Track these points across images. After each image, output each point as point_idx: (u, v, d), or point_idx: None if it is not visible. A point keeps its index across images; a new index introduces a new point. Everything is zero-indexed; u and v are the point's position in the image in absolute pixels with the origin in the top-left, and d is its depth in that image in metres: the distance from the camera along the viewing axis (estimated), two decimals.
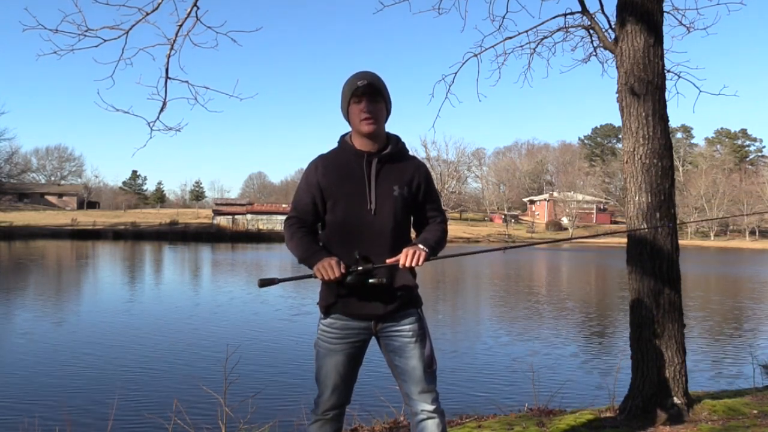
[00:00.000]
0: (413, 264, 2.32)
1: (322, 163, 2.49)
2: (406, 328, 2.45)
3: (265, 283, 2.38)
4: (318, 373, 2.50)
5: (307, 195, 2.48)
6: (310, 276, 2.40)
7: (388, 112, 2.51)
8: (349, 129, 2.54)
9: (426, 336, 2.48)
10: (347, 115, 2.47)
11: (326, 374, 2.47)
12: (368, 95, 2.39)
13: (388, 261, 2.35)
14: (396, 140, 2.53)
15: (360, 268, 2.32)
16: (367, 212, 2.41)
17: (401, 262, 2.32)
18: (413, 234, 2.61)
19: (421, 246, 2.38)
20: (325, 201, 2.46)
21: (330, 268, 2.28)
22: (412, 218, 2.57)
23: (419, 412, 2.42)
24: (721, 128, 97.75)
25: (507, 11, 5.35)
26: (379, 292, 2.38)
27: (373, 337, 2.51)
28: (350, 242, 2.39)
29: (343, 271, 2.30)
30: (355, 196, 2.42)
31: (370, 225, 2.41)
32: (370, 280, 2.34)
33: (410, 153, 2.60)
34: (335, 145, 2.57)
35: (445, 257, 2.54)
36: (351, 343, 2.46)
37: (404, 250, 2.34)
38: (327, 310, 2.48)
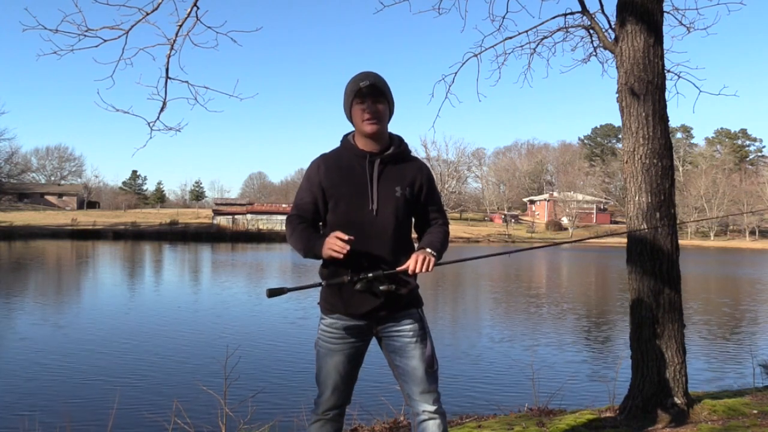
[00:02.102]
0: (423, 271, 2.31)
1: (324, 162, 2.48)
2: (407, 328, 2.44)
3: (273, 293, 2.36)
4: (318, 373, 2.50)
5: (309, 194, 2.47)
6: (319, 284, 2.41)
7: (391, 113, 2.50)
8: (351, 128, 2.54)
9: (427, 336, 2.48)
10: (350, 116, 2.47)
11: (326, 374, 2.47)
12: (371, 96, 2.39)
13: (398, 269, 2.34)
14: (399, 141, 2.53)
15: (370, 274, 2.31)
16: (369, 213, 2.40)
17: (410, 269, 2.31)
18: (414, 235, 2.61)
19: (428, 251, 2.37)
20: (327, 200, 2.45)
21: (336, 243, 2.24)
22: (413, 219, 2.57)
23: (420, 413, 2.42)
24: (721, 128, 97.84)
25: (507, 11, 5.36)
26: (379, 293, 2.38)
27: (374, 338, 2.51)
28: (357, 243, 2.40)
29: (346, 239, 2.24)
30: (356, 196, 2.41)
31: (372, 225, 2.40)
32: (381, 287, 2.33)
33: (412, 154, 2.60)
34: (336, 144, 2.57)
35: (449, 263, 2.54)
36: (351, 343, 2.45)
37: (413, 256, 2.33)
38: (328, 310, 2.47)
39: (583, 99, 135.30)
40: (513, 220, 79.12)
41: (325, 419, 2.50)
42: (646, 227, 4.16)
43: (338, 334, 2.45)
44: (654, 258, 4.16)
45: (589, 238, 5.03)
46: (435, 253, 2.38)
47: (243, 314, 13.15)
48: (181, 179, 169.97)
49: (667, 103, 4.29)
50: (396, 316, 2.44)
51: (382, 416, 4.62)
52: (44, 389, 7.16)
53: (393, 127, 2.55)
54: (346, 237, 2.24)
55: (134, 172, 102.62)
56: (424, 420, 2.41)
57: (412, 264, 2.31)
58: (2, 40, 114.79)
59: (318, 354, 2.50)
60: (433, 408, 2.41)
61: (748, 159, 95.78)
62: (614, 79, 4.39)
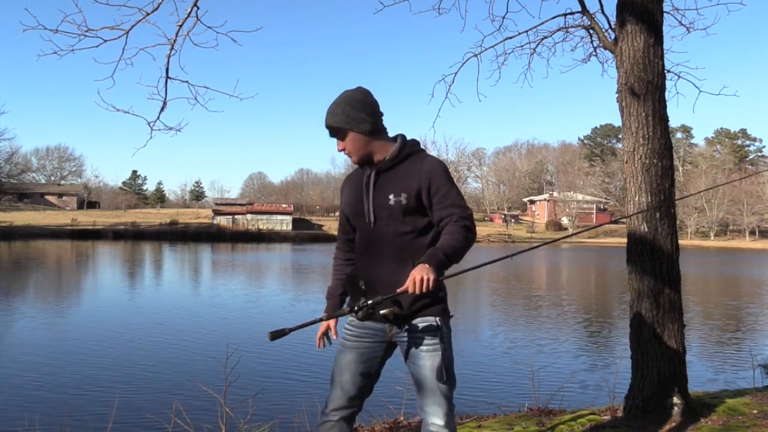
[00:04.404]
0: (422, 291, 2.18)
1: (344, 183, 2.64)
2: (421, 335, 2.37)
3: (276, 335, 2.34)
4: (332, 369, 2.52)
5: (341, 214, 2.65)
6: (320, 320, 2.43)
7: (372, 123, 2.42)
8: None
9: (441, 346, 2.36)
10: None
11: (338, 370, 2.48)
12: (334, 136, 2.49)
13: (398, 290, 2.25)
14: (400, 146, 2.45)
15: (370, 301, 2.29)
16: (367, 224, 2.45)
17: (410, 291, 2.19)
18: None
19: (427, 266, 2.20)
20: (349, 218, 2.59)
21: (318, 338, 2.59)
22: (429, 221, 2.44)
23: (429, 424, 2.34)
24: (721, 128, 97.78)
25: (507, 11, 5.36)
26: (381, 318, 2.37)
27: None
28: (363, 254, 2.47)
29: (324, 344, 2.59)
30: (359, 209, 2.48)
31: (371, 237, 2.44)
32: (381, 312, 2.30)
33: (423, 152, 2.49)
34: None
35: (452, 276, 2.41)
36: (365, 343, 2.46)
37: (411, 275, 2.19)
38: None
39: (583, 99, 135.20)
40: (513, 220, 79.14)
41: (332, 421, 2.46)
42: (646, 227, 4.16)
43: (354, 332, 2.47)
44: (654, 258, 4.16)
45: (588, 228, 4.99)
46: (434, 268, 2.21)
47: (243, 314, 13.15)
48: (181, 179, 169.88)
49: (667, 103, 4.29)
50: (411, 322, 2.38)
51: (382, 416, 4.61)
52: (44, 390, 7.16)
53: (393, 128, 2.49)
54: (321, 343, 2.60)
55: (134, 172, 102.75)
56: None
57: (410, 286, 2.18)
58: (2, 40, 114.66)
59: (337, 349, 2.54)
60: (440, 422, 2.31)
61: (748, 159, 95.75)
62: (614, 79, 4.39)
